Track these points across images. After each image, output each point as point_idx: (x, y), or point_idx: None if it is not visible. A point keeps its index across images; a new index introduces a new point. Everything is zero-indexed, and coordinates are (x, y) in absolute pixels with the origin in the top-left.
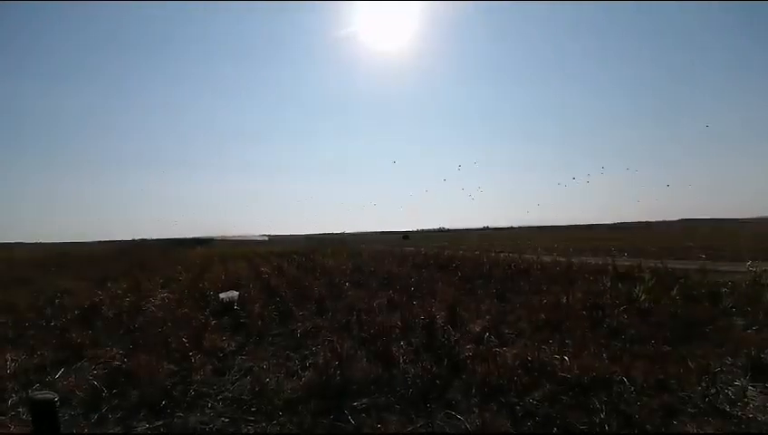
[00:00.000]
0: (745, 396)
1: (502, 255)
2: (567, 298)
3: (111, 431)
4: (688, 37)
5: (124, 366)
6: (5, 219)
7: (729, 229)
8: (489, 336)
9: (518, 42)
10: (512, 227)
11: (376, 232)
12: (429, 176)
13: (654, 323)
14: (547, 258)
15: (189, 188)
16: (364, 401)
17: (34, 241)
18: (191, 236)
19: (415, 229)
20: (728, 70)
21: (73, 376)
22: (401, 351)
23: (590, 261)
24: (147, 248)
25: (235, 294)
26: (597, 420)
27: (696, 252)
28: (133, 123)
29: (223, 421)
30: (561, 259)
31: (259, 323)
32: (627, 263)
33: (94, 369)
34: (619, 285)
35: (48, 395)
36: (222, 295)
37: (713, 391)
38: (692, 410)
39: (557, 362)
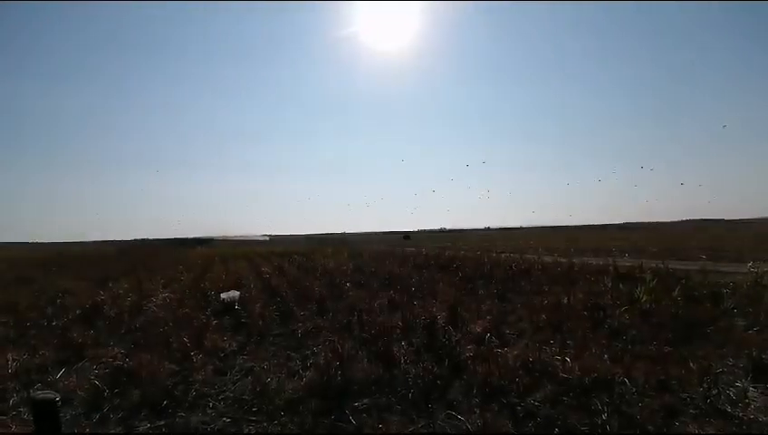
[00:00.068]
0: (747, 397)
1: (503, 255)
2: (568, 299)
3: (113, 431)
4: (688, 37)
5: (125, 366)
6: (5, 219)
7: (730, 230)
8: (490, 337)
9: (518, 42)
10: (515, 228)
11: (376, 232)
12: (429, 176)
13: (655, 323)
14: (548, 259)
15: (189, 188)
16: (365, 401)
17: (34, 241)
18: (191, 236)
19: (416, 229)
20: (728, 70)
21: (75, 376)
22: (402, 351)
23: (592, 262)
24: (148, 248)
25: (236, 294)
26: (598, 421)
27: (697, 252)
28: (133, 123)
29: (224, 421)
30: (563, 260)
31: (260, 323)
32: (628, 263)
33: (96, 369)
34: (621, 285)
35: (49, 395)
36: (223, 295)
37: (714, 391)
38: (693, 411)
39: (558, 363)
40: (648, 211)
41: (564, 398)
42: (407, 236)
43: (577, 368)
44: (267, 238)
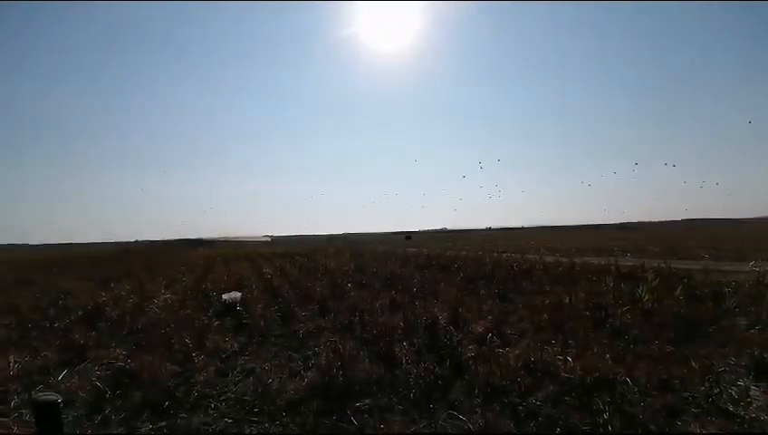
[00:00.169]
0: (748, 396)
1: (504, 255)
2: (570, 298)
3: (115, 432)
4: (688, 37)
5: (127, 367)
6: (5, 220)
7: (732, 229)
8: (492, 337)
9: (518, 42)
10: (516, 228)
11: (377, 233)
12: (429, 176)
13: (657, 323)
14: (550, 258)
15: (190, 188)
16: (367, 401)
17: (35, 243)
18: (191, 237)
19: (417, 230)
20: (728, 70)
21: (77, 377)
22: (404, 351)
23: (593, 261)
24: (149, 250)
25: (237, 294)
26: (600, 421)
27: (698, 252)
28: (133, 123)
29: (226, 422)
30: (564, 259)
31: (262, 323)
32: (630, 263)
33: (97, 370)
34: (622, 285)
35: (51, 396)
36: (225, 296)
37: (716, 391)
38: (695, 411)
39: (560, 363)
40: (648, 211)
41: (566, 398)
42: (408, 236)
43: (579, 368)
44: (268, 239)
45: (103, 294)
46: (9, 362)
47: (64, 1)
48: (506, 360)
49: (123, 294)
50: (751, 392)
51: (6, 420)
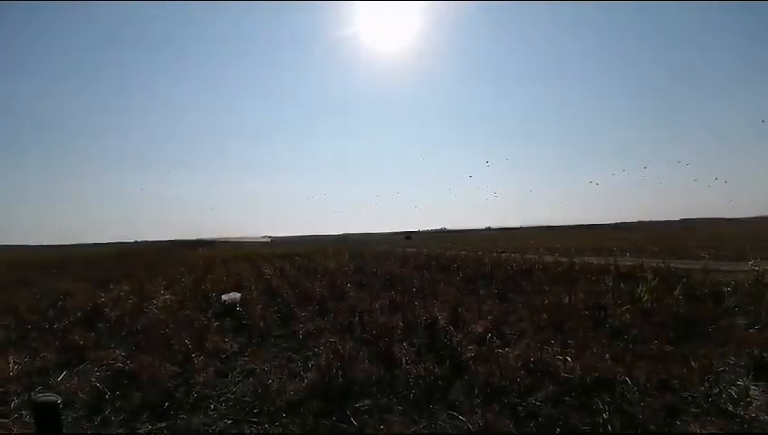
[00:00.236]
0: (748, 396)
1: (504, 255)
2: (569, 298)
3: (114, 433)
4: (688, 37)
5: (127, 368)
6: (5, 220)
7: (731, 228)
8: (491, 337)
9: (518, 42)
10: (515, 228)
11: (377, 233)
12: (429, 176)
13: (656, 322)
14: (549, 258)
15: (189, 188)
16: (366, 402)
17: (35, 244)
18: (191, 238)
19: (417, 230)
20: (728, 70)
21: (76, 378)
22: (403, 352)
23: (593, 261)
24: (149, 250)
25: (237, 295)
26: (600, 421)
27: (697, 251)
28: (133, 123)
29: (225, 423)
30: (563, 259)
31: (261, 324)
32: (629, 263)
33: (97, 371)
34: (622, 284)
35: (51, 398)
36: (224, 297)
37: (716, 390)
38: (695, 410)
39: (559, 363)
40: (647, 210)
41: (566, 398)
42: (408, 236)
43: (578, 368)
44: (268, 240)
45: (102, 295)
46: (9, 363)
47: (64, 1)
48: (506, 360)
49: (122, 295)
50: (750, 392)
51: (6, 421)
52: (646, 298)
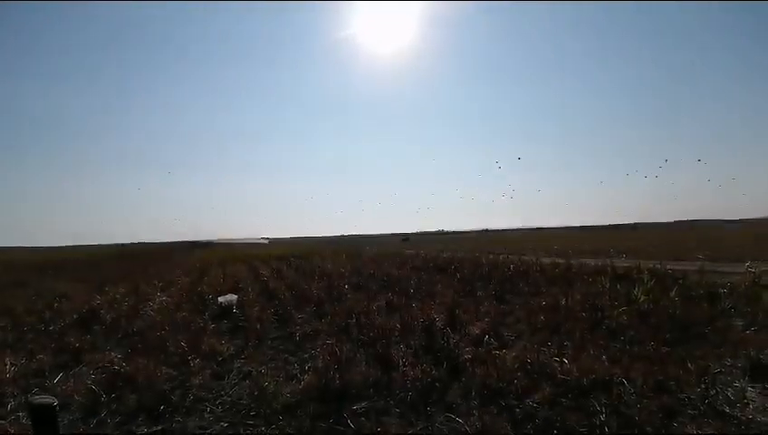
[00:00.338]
0: (745, 397)
1: (501, 257)
2: (566, 300)
3: None
4: (688, 37)
5: (123, 370)
6: (5, 220)
7: (729, 230)
8: (488, 338)
9: (518, 42)
10: (514, 229)
11: (375, 235)
12: (429, 177)
13: (653, 324)
14: (546, 260)
15: (189, 189)
16: (363, 404)
17: (33, 245)
18: (189, 239)
19: (415, 232)
20: (728, 70)
21: (72, 380)
22: (400, 353)
23: (590, 262)
24: (147, 252)
25: (233, 297)
26: (597, 423)
27: (695, 253)
28: (133, 123)
29: (222, 426)
30: (560, 261)
31: (258, 326)
32: (625, 264)
33: (93, 373)
34: (618, 286)
35: (47, 400)
36: (221, 299)
37: (712, 392)
38: (692, 412)
39: (557, 364)
40: (647, 212)
41: (563, 399)
42: (406, 238)
43: (575, 369)
44: (266, 241)
45: (98, 296)
46: (5, 365)
47: (64, 1)
48: (503, 362)
49: (118, 296)
50: (747, 394)
51: (3, 423)
52: (642, 299)
